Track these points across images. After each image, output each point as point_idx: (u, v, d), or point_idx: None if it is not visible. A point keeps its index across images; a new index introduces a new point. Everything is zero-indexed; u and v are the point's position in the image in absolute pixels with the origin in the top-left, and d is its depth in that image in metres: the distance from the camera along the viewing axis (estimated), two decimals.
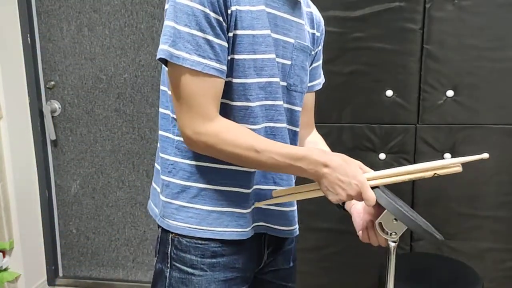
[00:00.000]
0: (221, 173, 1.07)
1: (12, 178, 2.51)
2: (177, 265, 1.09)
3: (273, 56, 1.06)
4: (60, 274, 2.90)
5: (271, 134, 1.10)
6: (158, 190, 1.15)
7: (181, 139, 1.06)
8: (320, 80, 1.34)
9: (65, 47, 2.63)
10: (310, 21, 1.21)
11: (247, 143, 1.00)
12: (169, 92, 1.08)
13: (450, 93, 1.90)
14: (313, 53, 1.23)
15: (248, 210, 1.11)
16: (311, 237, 2.09)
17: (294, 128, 1.18)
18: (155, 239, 1.17)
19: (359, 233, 1.22)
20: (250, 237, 1.12)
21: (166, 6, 1.02)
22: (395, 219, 1.03)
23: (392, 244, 1.09)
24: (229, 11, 0.99)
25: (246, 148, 1.00)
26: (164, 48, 0.98)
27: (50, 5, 2.60)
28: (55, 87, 2.69)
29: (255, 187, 1.12)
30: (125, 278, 2.84)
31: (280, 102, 1.10)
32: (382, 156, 1.98)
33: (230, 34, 1.01)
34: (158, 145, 1.15)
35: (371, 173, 1.06)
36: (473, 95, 1.90)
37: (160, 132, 1.13)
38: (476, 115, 1.91)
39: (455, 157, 1.92)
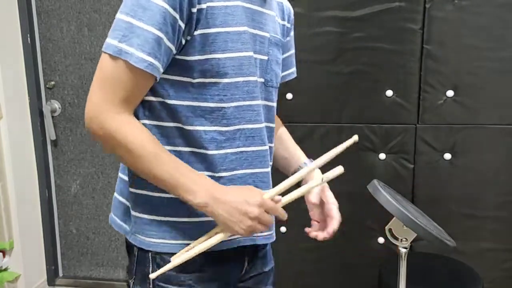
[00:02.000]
0: None
1: (12, 178, 2.51)
2: (163, 285, 1.03)
3: (251, 53, 1.02)
4: (60, 274, 2.90)
5: (249, 136, 1.05)
6: (127, 204, 1.07)
7: None
8: (293, 70, 1.29)
9: (65, 47, 2.63)
10: (281, 12, 1.17)
11: (145, 146, 0.94)
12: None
13: (450, 93, 1.90)
14: (283, 44, 1.18)
15: None
16: (311, 237, 2.08)
17: (271, 125, 1.13)
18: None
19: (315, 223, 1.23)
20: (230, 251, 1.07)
21: None
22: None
23: (403, 250, 1.09)
24: (194, 10, 0.94)
25: (141, 149, 0.94)
26: (113, 44, 0.92)
27: (50, 5, 2.60)
28: (55, 87, 2.69)
29: None
30: (125, 278, 2.85)
31: (258, 102, 1.06)
32: (382, 156, 1.98)
33: (197, 33, 0.95)
34: None
35: (271, 193, 1.03)
36: (473, 95, 1.89)
37: None
38: (476, 115, 1.91)
39: (455, 157, 1.93)
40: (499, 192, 1.95)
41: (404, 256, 1.11)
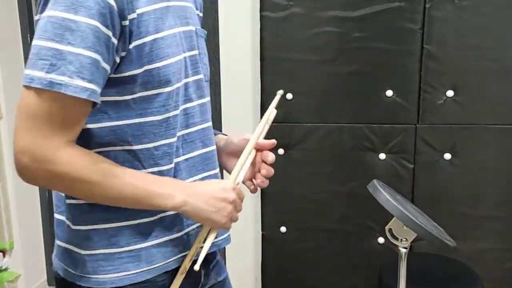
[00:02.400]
0: None
1: (12, 178, 2.51)
2: None
3: (186, 54, 0.97)
4: None
5: (195, 139, 1.01)
6: (69, 247, 0.97)
7: None
8: None
9: None
10: (195, 3, 1.10)
11: (95, 168, 0.87)
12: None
13: (450, 93, 1.90)
14: (206, 35, 1.14)
15: (184, 232, 1.01)
16: (311, 237, 2.08)
17: (208, 124, 1.07)
18: None
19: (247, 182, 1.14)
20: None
21: (36, 18, 0.85)
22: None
23: (403, 250, 1.09)
24: (125, 22, 0.85)
25: (92, 173, 0.86)
26: (39, 76, 0.80)
27: None
28: None
29: None
30: None
31: (201, 101, 1.02)
32: (382, 156, 1.98)
33: (132, 46, 0.87)
34: (57, 193, 0.99)
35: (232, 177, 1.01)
36: (473, 95, 1.89)
37: None
38: (476, 115, 1.91)
39: (455, 157, 1.93)
40: (499, 192, 1.95)
41: (404, 256, 1.11)
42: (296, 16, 1.92)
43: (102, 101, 0.87)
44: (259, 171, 1.08)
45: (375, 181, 1.17)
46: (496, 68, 1.87)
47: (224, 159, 1.15)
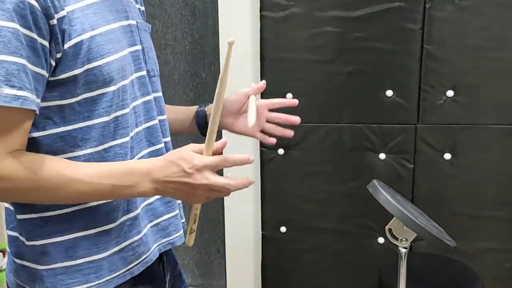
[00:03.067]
0: (98, 210, 0.92)
1: None
2: None
3: (128, 50, 0.94)
4: None
5: (146, 137, 0.99)
6: (25, 263, 0.93)
7: None
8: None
9: None
10: None
11: (54, 171, 0.83)
12: None
13: (450, 93, 1.90)
14: (150, 29, 1.10)
15: (143, 233, 0.98)
16: (311, 237, 2.08)
17: (163, 117, 1.05)
18: None
19: (257, 134, 1.16)
20: (155, 263, 1.02)
21: None
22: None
23: (403, 250, 1.09)
24: (53, 21, 0.81)
25: (52, 177, 0.83)
26: None
27: None
28: None
29: (142, 205, 0.99)
30: None
31: (140, 100, 0.98)
32: (382, 156, 1.98)
33: (67, 45, 0.82)
34: (10, 206, 0.95)
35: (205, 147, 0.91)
36: (473, 95, 1.89)
37: None
38: (476, 115, 1.91)
39: (455, 157, 1.93)
40: (499, 192, 1.95)
41: (404, 256, 1.11)
42: (296, 16, 1.92)
43: (45, 107, 0.85)
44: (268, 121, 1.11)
45: (375, 181, 1.17)
46: (496, 68, 1.87)
47: (229, 121, 1.15)
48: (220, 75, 0.96)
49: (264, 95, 2.00)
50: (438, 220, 1.33)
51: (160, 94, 1.05)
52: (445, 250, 1.04)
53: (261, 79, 1.99)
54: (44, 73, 0.82)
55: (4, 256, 2.53)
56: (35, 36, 0.80)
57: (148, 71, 1.00)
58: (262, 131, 1.19)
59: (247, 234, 2.26)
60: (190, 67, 2.38)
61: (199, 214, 1.01)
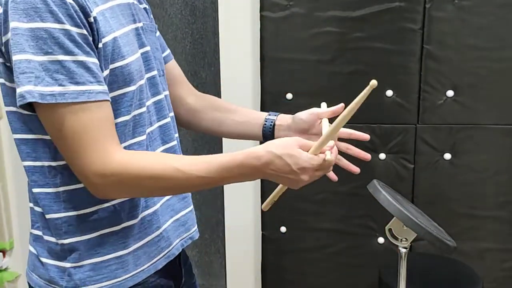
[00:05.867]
0: (121, 207, 0.94)
1: (12, 178, 2.51)
2: None
3: (141, 51, 0.96)
4: None
5: (161, 134, 1.02)
6: (52, 262, 0.95)
7: (67, 188, 0.91)
8: (168, 51, 1.21)
9: None
10: None
11: (167, 165, 0.87)
12: (31, 137, 0.90)
13: (450, 93, 1.90)
14: (155, 29, 1.13)
15: (163, 228, 1.02)
16: (311, 237, 2.08)
17: (172, 114, 1.08)
18: None
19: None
20: (175, 258, 1.05)
21: (8, 36, 0.81)
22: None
23: (403, 250, 1.09)
24: (91, 19, 0.84)
25: (167, 171, 0.87)
26: (28, 89, 0.79)
27: None
28: None
29: (161, 201, 1.02)
30: None
31: (152, 100, 1.00)
32: (382, 156, 1.98)
33: (100, 45, 0.86)
34: (35, 207, 0.96)
35: (313, 145, 0.92)
36: (473, 95, 1.89)
37: (36, 190, 0.93)
38: (476, 115, 1.91)
39: (455, 157, 1.93)
40: (499, 192, 1.95)
41: (404, 256, 1.11)
42: (296, 16, 1.92)
43: None
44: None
45: (375, 181, 1.17)
46: (496, 68, 1.87)
47: None
48: (352, 106, 0.98)
49: (264, 94, 2.01)
50: (438, 220, 1.33)
51: (167, 92, 1.08)
52: (445, 250, 1.04)
53: (261, 79, 1.99)
54: (97, 61, 0.85)
55: (4, 256, 2.53)
56: (84, 32, 0.83)
57: (157, 71, 1.03)
58: None
59: (247, 234, 2.26)
60: (190, 67, 2.38)
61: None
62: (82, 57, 0.82)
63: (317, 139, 0.94)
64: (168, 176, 0.87)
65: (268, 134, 1.16)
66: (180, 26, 2.37)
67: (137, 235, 0.97)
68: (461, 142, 1.93)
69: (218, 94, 2.26)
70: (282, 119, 1.16)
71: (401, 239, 1.06)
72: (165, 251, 1.02)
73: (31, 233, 0.99)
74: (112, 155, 0.85)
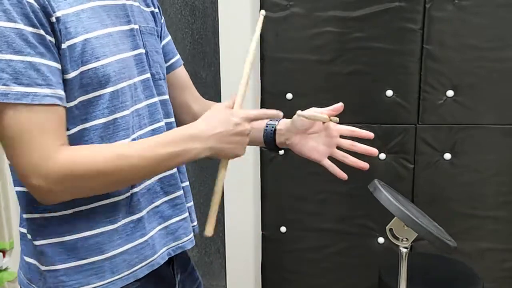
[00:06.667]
0: (99, 211, 0.92)
1: (12, 178, 2.50)
2: None
3: (129, 53, 0.94)
4: None
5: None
6: (32, 261, 0.94)
7: None
8: (178, 57, 1.21)
9: None
10: (143, 0, 1.07)
11: (112, 153, 0.86)
12: None
13: (450, 93, 1.90)
14: (158, 32, 1.10)
15: (148, 236, 0.98)
16: (311, 237, 2.08)
17: (170, 120, 1.06)
18: None
19: (324, 161, 1.15)
20: (163, 265, 1.01)
21: None
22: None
23: (404, 250, 1.09)
24: (52, 19, 0.82)
25: (113, 159, 0.85)
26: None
27: None
28: None
29: (148, 208, 0.99)
30: None
31: (144, 103, 0.98)
32: (382, 156, 1.98)
33: (65, 46, 0.84)
34: (19, 205, 0.96)
35: (236, 101, 1.00)
36: (473, 95, 1.90)
37: (16, 189, 0.94)
38: (476, 115, 1.91)
39: (455, 157, 1.93)
40: (499, 192, 1.95)
41: (405, 256, 1.11)
42: (296, 16, 1.92)
43: None
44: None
45: (376, 181, 1.17)
46: (496, 68, 1.87)
47: (296, 140, 1.13)
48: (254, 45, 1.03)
49: (264, 94, 2.01)
50: (438, 220, 1.33)
51: (166, 97, 1.06)
52: (445, 250, 1.04)
53: (261, 79, 1.99)
54: (55, 64, 0.84)
55: (4, 256, 2.53)
56: (41, 32, 0.81)
57: (153, 74, 1.01)
58: (330, 158, 1.16)
59: (247, 234, 2.26)
60: (190, 67, 2.37)
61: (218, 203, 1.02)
62: (32, 58, 0.80)
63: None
64: (112, 164, 0.86)
65: (269, 139, 1.15)
66: (180, 26, 2.37)
67: (116, 241, 0.93)
68: (461, 142, 1.93)
69: (218, 94, 2.26)
70: (282, 124, 1.16)
71: (402, 239, 1.06)
72: (148, 260, 0.98)
73: (19, 230, 0.99)
74: (55, 155, 0.83)
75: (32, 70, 0.80)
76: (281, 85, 1.97)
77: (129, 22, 0.96)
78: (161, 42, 1.12)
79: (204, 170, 2.47)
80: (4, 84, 0.79)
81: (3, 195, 2.48)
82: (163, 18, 1.15)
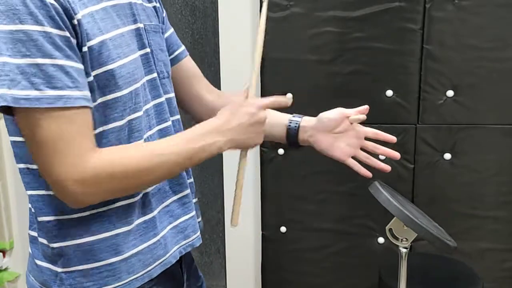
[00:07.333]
0: (116, 212, 0.92)
1: (12, 178, 2.51)
2: None
3: (138, 54, 0.94)
4: None
5: (163, 138, 0.99)
6: (45, 265, 0.94)
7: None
8: (183, 48, 1.18)
9: None
10: None
11: (146, 151, 0.88)
12: (21, 140, 0.89)
13: (450, 93, 1.90)
14: (162, 29, 1.09)
15: (160, 235, 0.99)
16: (311, 237, 2.09)
17: (175, 118, 1.06)
18: None
19: (349, 160, 1.17)
20: (173, 264, 1.02)
21: None
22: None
23: (404, 250, 1.09)
24: (74, 21, 0.82)
25: (149, 158, 0.87)
26: (1, 93, 0.77)
27: None
28: None
29: (159, 208, 1.00)
30: None
31: (152, 103, 0.98)
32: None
33: (85, 48, 0.83)
34: (31, 208, 0.95)
35: (250, 91, 1.03)
36: (473, 95, 1.90)
37: (29, 192, 0.92)
38: (476, 115, 1.91)
39: (455, 157, 1.93)
40: (499, 192, 1.95)
41: (405, 256, 1.11)
42: (296, 16, 1.92)
43: None
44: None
45: (376, 182, 1.18)
46: (496, 68, 1.87)
47: (321, 138, 1.15)
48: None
49: (264, 94, 2.01)
50: (438, 220, 1.33)
51: (172, 95, 1.05)
52: (445, 250, 1.04)
53: (261, 79, 1.99)
54: (80, 65, 0.83)
55: (4, 256, 2.53)
56: (67, 34, 0.81)
57: (158, 73, 1.00)
58: (354, 158, 1.18)
59: (247, 234, 2.26)
60: None
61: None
62: (61, 61, 0.80)
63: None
64: (148, 163, 0.87)
65: (292, 135, 1.17)
66: (180, 26, 2.37)
67: (131, 242, 0.94)
68: (461, 142, 1.93)
69: None
70: (306, 121, 1.17)
71: (402, 239, 1.07)
72: (161, 259, 0.99)
73: (28, 234, 0.98)
74: (91, 158, 0.83)
75: (62, 73, 0.79)
76: (281, 85, 1.97)
77: (135, 21, 0.96)
78: (164, 35, 1.11)
79: (204, 170, 2.47)
80: (37, 89, 0.78)
81: (3, 195, 2.48)
82: (164, 11, 1.13)
